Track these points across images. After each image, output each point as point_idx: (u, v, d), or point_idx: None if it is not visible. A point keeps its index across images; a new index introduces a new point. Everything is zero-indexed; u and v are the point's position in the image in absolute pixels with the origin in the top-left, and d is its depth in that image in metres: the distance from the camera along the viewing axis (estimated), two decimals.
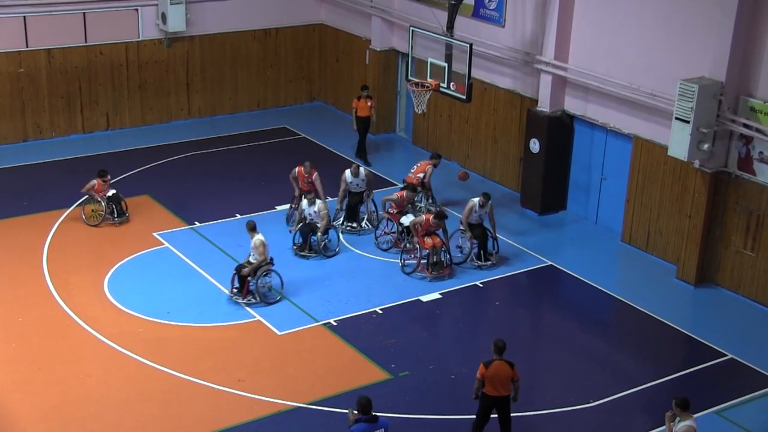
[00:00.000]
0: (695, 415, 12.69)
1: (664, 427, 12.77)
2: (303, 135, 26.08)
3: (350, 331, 16.77)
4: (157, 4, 25.37)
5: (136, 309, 17.16)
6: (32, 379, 15.14)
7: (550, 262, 19.47)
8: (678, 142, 17.58)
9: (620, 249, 20.31)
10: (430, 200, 21.16)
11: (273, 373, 15.60)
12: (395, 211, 19.73)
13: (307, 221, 19.29)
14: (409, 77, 21.31)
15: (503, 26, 22.17)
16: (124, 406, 14.56)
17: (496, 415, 13.52)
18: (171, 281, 18.20)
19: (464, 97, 20.11)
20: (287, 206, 20.93)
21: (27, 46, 24.17)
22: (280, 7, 27.41)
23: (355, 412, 12.09)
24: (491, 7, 22.37)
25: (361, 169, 20.39)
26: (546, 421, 14.63)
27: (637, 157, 19.83)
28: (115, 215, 20.22)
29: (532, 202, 21.77)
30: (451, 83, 20.28)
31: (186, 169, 23.65)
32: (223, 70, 27.02)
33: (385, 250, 19.60)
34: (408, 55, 21.71)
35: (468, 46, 19.74)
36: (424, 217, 18.72)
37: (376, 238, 19.86)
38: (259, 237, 17.46)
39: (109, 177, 20.56)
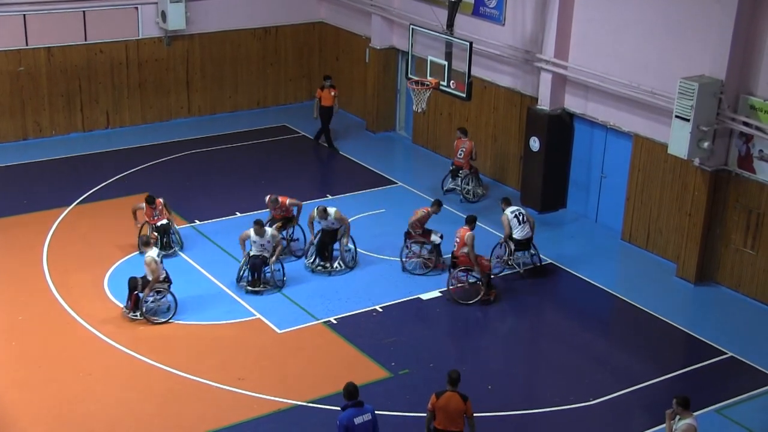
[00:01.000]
0: (695, 414, 12.70)
1: (664, 426, 12.78)
2: (303, 133, 26.05)
3: (350, 329, 16.77)
4: (157, 3, 25.34)
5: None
6: (32, 377, 15.13)
7: (550, 261, 19.46)
8: (678, 140, 17.57)
9: (620, 247, 20.30)
10: (473, 182, 21.94)
11: (273, 371, 15.59)
12: (419, 231, 18.70)
13: (252, 253, 17.73)
14: (409, 75, 21.32)
15: (503, 24, 22.15)
16: (124, 404, 14.56)
17: None
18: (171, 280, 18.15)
19: (464, 95, 20.13)
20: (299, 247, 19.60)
21: (27, 45, 24.16)
22: (280, 6, 27.39)
23: None
24: (491, 6, 22.35)
25: (330, 210, 18.42)
26: (546, 420, 14.61)
27: (637, 155, 19.81)
28: (160, 247, 18.23)
29: (533, 200, 21.75)
30: (451, 81, 20.29)
31: (186, 167, 23.64)
32: (223, 68, 27.01)
33: (421, 275, 18.54)
34: (408, 53, 21.71)
35: (468, 44, 19.75)
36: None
37: (402, 263, 18.79)
38: (150, 254, 16.53)
39: (159, 203, 18.90)
